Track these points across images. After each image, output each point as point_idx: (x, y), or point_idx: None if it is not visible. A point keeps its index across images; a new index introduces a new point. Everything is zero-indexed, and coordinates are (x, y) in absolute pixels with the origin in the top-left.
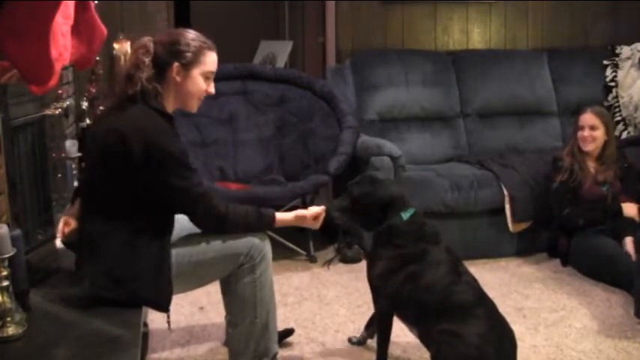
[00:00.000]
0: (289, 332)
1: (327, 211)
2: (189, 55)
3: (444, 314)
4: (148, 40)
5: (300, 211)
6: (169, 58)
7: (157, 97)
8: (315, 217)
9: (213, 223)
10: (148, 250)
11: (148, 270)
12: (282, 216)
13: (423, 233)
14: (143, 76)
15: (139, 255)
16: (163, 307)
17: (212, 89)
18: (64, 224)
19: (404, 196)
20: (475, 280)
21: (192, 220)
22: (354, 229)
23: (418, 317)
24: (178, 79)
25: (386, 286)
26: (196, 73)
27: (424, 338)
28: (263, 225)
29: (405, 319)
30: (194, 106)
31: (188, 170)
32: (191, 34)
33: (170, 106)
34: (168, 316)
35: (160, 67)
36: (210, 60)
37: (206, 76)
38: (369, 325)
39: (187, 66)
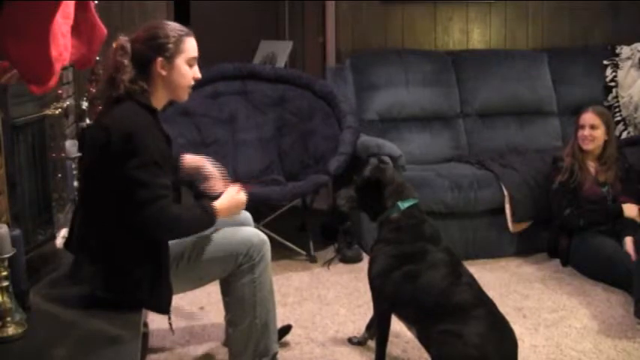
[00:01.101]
0: (287, 329)
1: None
2: (170, 46)
3: (444, 314)
4: (124, 41)
5: (232, 195)
6: (151, 54)
7: (144, 93)
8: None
9: (165, 226)
10: (145, 253)
11: (147, 273)
12: (218, 205)
13: (422, 231)
14: (125, 78)
15: (137, 258)
16: (164, 309)
17: (198, 74)
18: None
19: (403, 184)
20: (475, 280)
21: (140, 223)
22: (354, 223)
23: (417, 317)
24: (164, 72)
25: (384, 285)
26: (180, 62)
27: (423, 338)
28: (209, 222)
29: (403, 319)
30: (184, 95)
31: (158, 169)
32: (168, 25)
33: (160, 101)
34: (170, 318)
35: (143, 65)
36: (191, 46)
37: (190, 64)
38: (369, 326)
39: (171, 58)
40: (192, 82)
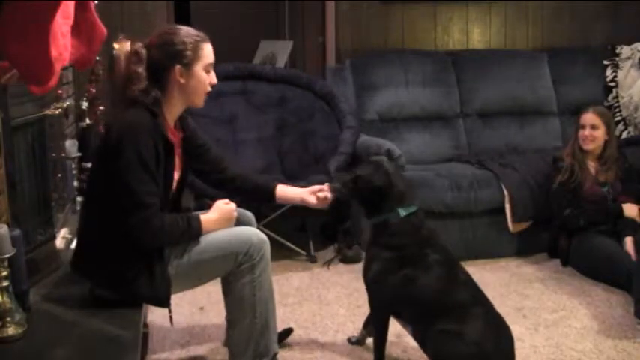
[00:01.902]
0: (288, 332)
1: (330, 183)
2: (188, 53)
3: (442, 314)
4: (139, 47)
5: (220, 208)
6: (168, 62)
7: (156, 102)
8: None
9: (148, 237)
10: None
11: (143, 266)
12: (206, 218)
13: (420, 235)
14: (137, 88)
15: (134, 253)
16: (164, 302)
17: (214, 79)
18: None
19: (405, 192)
20: (471, 279)
21: (125, 229)
22: (354, 223)
23: (415, 317)
24: (182, 80)
25: (382, 287)
26: (198, 69)
27: (420, 337)
28: (194, 235)
29: (400, 319)
30: (201, 101)
31: (146, 174)
32: (183, 31)
33: (176, 107)
34: (170, 311)
35: (159, 72)
36: (208, 52)
37: (207, 70)
38: (367, 324)
39: (189, 65)
40: (209, 88)
